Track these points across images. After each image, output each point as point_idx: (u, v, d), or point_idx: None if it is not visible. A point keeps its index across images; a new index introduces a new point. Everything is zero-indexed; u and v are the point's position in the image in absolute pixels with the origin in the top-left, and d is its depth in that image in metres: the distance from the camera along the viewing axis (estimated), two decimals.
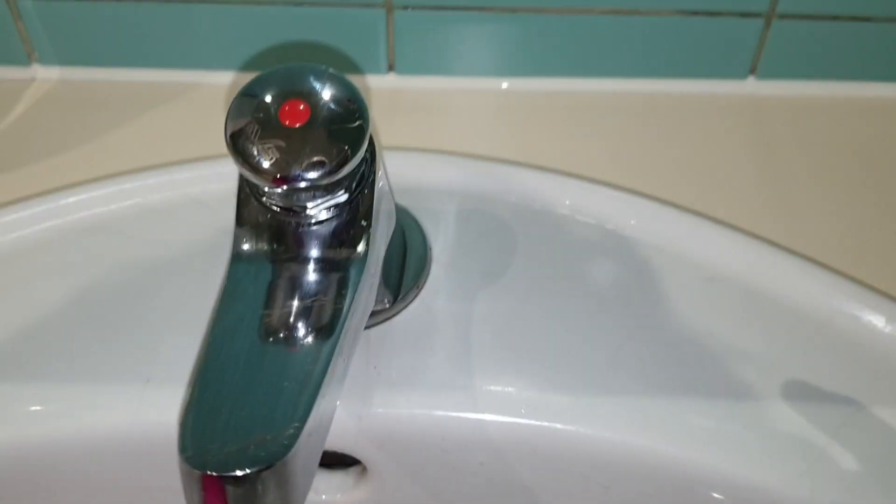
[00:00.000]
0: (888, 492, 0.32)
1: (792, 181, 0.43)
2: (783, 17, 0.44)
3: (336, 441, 0.34)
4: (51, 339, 0.35)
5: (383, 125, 0.44)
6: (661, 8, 0.44)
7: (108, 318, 0.35)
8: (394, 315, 0.36)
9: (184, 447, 0.23)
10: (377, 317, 0.35)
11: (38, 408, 0.33)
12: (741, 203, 0.41)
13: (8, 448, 0.33)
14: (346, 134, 0.27)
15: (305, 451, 0.24)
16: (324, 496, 0.36)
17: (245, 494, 0.23)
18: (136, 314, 0.35)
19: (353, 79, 0.44)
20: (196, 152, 0.42)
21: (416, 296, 0.36)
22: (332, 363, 0.26)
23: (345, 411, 0.33)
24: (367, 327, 0.35)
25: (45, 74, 0.47)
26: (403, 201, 0.39)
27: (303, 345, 0.26)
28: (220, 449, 0.23)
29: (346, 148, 0.27)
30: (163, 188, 0.40)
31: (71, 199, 0.39)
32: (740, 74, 0.47)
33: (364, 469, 0.36)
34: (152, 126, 0.44)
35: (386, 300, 0.35)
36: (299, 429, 0.23)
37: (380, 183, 0.31)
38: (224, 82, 0.46)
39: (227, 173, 0.40)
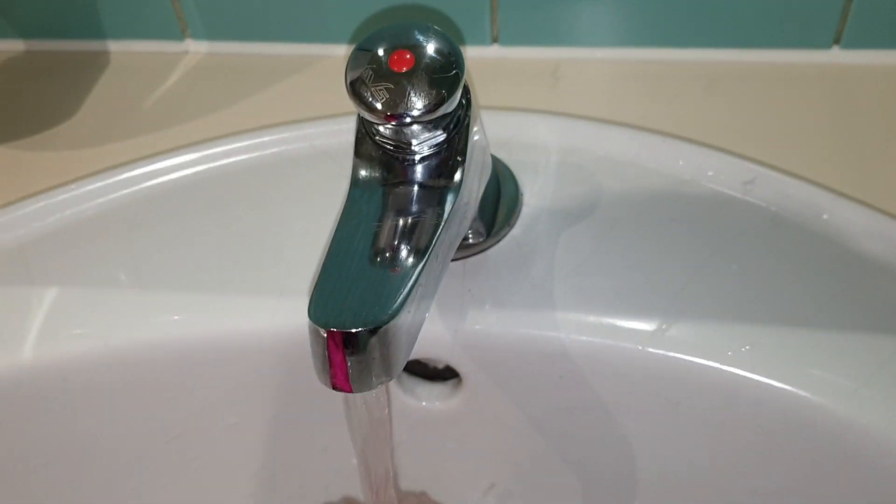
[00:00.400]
0: None
1: (872, 145, 0.45)
2: None
3: (435, 350, 0.39)
4: (201, 260, 0.42)
5: (486, 92, 0.49)
6: None
7: (249, 244, 0.42)
8: (487, 248, 0.41)
9: (312, 312, 0.29)
10: (473, 248, 0.40)
11: (189, 314, 0.40)
12: (818, 160, 0.43)
13: (161, 347, 0.40)
14: (443, 80, 0.32)
15: (404, 324, 0.30)
16: (424, 403, 0.42)
17: (356, 348, 0.29)
18: (272, 241, 0.42)
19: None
20: (321, 112, 0.48)
21: (507, 233, 0.41)
22: (427, 263, 0.31)
23: (443, 325, 0.38)
24: (463, 257, 0.40)
25: (196, 48, 0.54)
26: (501, 154, 0.44)
27: (405, 247, 0.32)
28: (339, 314, 0.29)
29: (444, 92, 0.32)
30: (294, 140, 0.46)
31: (219, 149, 0.45)
32: (824, 44, 0.49)
33: (459, 381, 0.41)
34: (285, 91, 0.51)
35: (481, 235, 0.40)
36: (400, 306, 0.29)
37: (474, 127, 0.36)
38: (344, 54, 0.52)
39: (347, 129, 0.46)
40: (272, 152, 0.46)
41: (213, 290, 0.40)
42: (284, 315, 0.39)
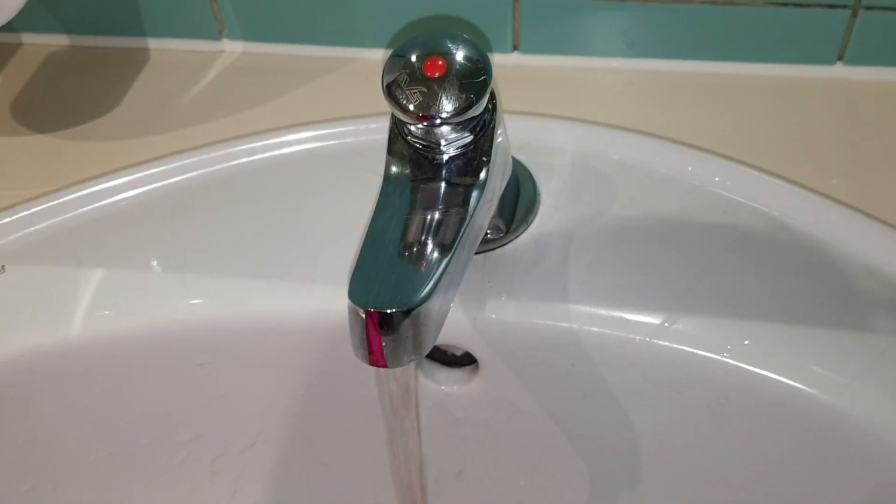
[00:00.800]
0: None
1: (872, 156, 0.47)
2: (869, 7, 0.48)
3: (456, 337, 0.42)
4: (238, 247, 0.44)
5: (507, 97, 0.52)
6: None
7: (283, 234, 0.45)
8: (506, 243, 0.43)
9: (352, 293, 0.32)
10: (493, 244, 0.43)
11: (227, 297, 0.43)
12: (819, 169, 0.46)
13: (200, 327, 0.43)
14: (473, 85, 0.35)
15: (433, 308, 0.32)
16: (443, 387, 0.45)
17: (391, 327, 0.32)
18: (305, 231, 0.45)
19: None
20: (351, 112, 0.50)
21: (525, 230, 0.44)
22: (456, 253, 0.34)
23: (464, 314, 0.41)
24: (483, 251, 0.43)
25: (232, 48, 0.57)
26: (520, 156, 0.47)
27: (436, 238, 0.34)
28: (377, 296, 0.32)
29: (472, 96, 0.35)
30: (325, 138, 0.49)
31: (255, 144, 0.48)
32: (828, 60, 0.51)
33: (476, 367, 0.44)
34: (317, 91, 0.53)
35: (500, 231, 0.43)
36: (431, 291, 0.32)
37: (498, 130, 0.39)
38: (374, 58, 0.55)
39: (376, 128, 0.49)
40: (305, 148, 0.48)
41: (249, 275, 0.43)
42: (316, 300, 0.42)
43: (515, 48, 0.54)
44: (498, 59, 0.54)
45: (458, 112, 0.35)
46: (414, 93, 0.35)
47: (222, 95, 0.54)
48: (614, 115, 0.50)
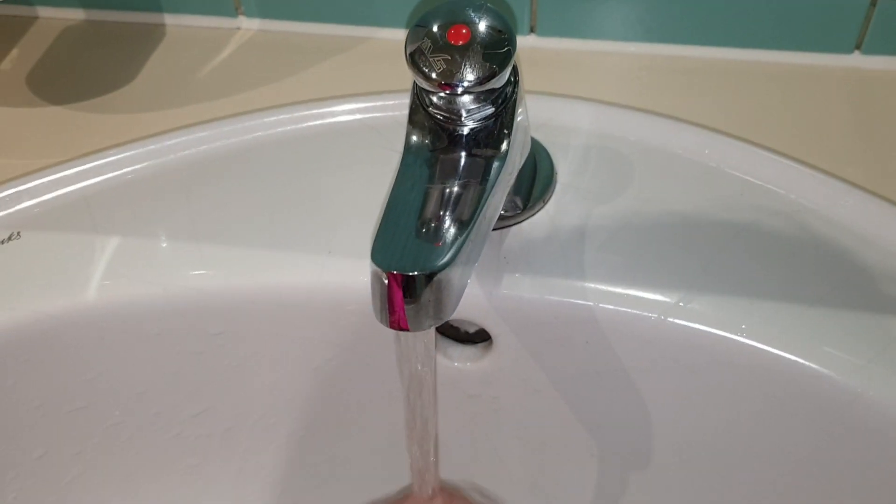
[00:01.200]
0: None
1: (888, 145, 0.47)
2: None
3: (471, 312, 0.42)
4: (254, 219, 0.44)
5: (525, 79, 0.52)
6: None
7: (299, 206, 0.45)
8: (523, 220, 0.43)
9: (375, 256, 0.32)
10: (509, 220, 0.43)
11: (242, 267, 0.43)
12: (834, 156, 0.46)
13: (214, 296, 0.43)
14: (496, 55, 0.35)
15: (454, 274, 0.32)
16: (456, 363, 0.45)
17: (413, 291, 0.32)
18: (321, 205, 0.45)
19: None
20: (365, 90, 0.50)
21: (541, 207, 0.44)
22: (476, 223, 0.34)
23: (480, 289, 0.41)
24: (499, 228, 0.43)
25: (248, 25, 0.57)
26: (537, 135, 0.47)
27: (457, 207, 0.34)
28: (400, 259, 0.32)
29: (496, 66, 0.35)
30: (342, 114, 0.49)
31: (272, 118, 0.48)
32: (846, 49, 0.51)
33: (490, 345, 0.44)
34: (332, 70, 0.53)
35: (517, 208, 0.43)
36: (453, 256, 0.32)
37: (519, 109, 0.39)
38: (389, 37, 0.55)
39: (393, 105, 0.49)
40: (322, 123, 0.48)
41: (265, 246, 0.43)
42: (331, 272, 0.42)
43: (532, 30, 0.54)
44: None
45: (480, 81, 0.34)
46: (437, 60, 0.35)
47: (238, 72, 0.54)
48: (630, 98, 0.50)
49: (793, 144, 0.47)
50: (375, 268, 0.32)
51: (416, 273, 0.32)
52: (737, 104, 0.49)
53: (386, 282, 0.32)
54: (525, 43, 0.54)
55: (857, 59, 0.51)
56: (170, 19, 0.58)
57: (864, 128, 0.48)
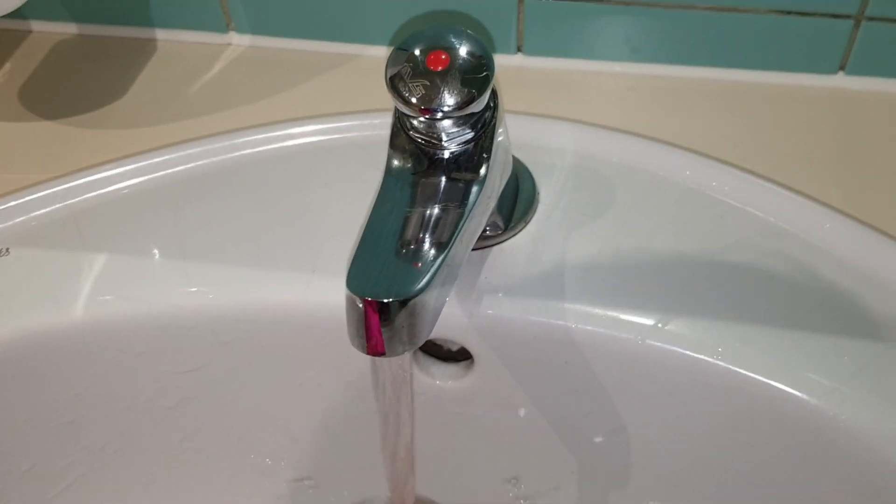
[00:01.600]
0: None
1: (870, 167, 0.47)
2: (872, 18, 0.49)
3: (452, 332, 0.42)
4: (240, 237, 0.45)
5: (509, 98, 0.52)
6: (758, 6, 0.50)
7: (285, 225, 0.45)
8: (504, 241, 0.44)
9: (351, 283, 0.32)
10: (491, 240, 0.44)
11: (226, 285, 0.43)
12: (817, 177, 0.46)
13: (199, 313, 0.43)
14: (475, 80, 0.35)
15: (429, 300, 0.33)
16: (438, 381, 0.45)
17: (388, 317, 0.32)
18: (306, 223, 0.45)
19: None
20: (354, 107, 0.51)
21: (523, 228, 0.44)
22: (453, 247, 0.34)
23: (460, 309, 0.42)
24: (481, 248, 0.43)
25: (239, 41, 0.57)
26: (521, 155, 0.47)
27: (434, 232, 0.35)
28: (375, 286, 0.32)
29: (474, 91, 0.35)
30: (329, 132, 0.49)
31: (260, 136, 0.49)
32: (830, 70, 0.52)
33: (471, 363, 0.44)
34: (322, 86, 0.54)
35: (499, 228, 0.44)
36: (428, 282, 0.33)
37: (499, 129, 0.39)
38: (378, 54, 0.56)
39: (379, 124, 0.49)
40: (309, 141, 0.49)
41: (249, 264, 0.44)
42: (315, 290, 0.42)
43: (519, 49, 0.54)
44: (501, 60, 0.54)
45: (459, 106, 0.35)
46: (417, 86, 0.35)
47: (228, 87, 0.54)
48: (616, 118, 0.50)
49: (776, 166, 0.47)
50: (350, 294, 0.32)
51: (391, 299, 0.32)
52: (721, 125, 0.50)
53: (361, 307, 0.32)
54: (512, 62, 0.55)
55: (841, 80, 0.52)
56: (161, 34, 0.58)
57: (847, 149, 0.49)
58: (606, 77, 0.53)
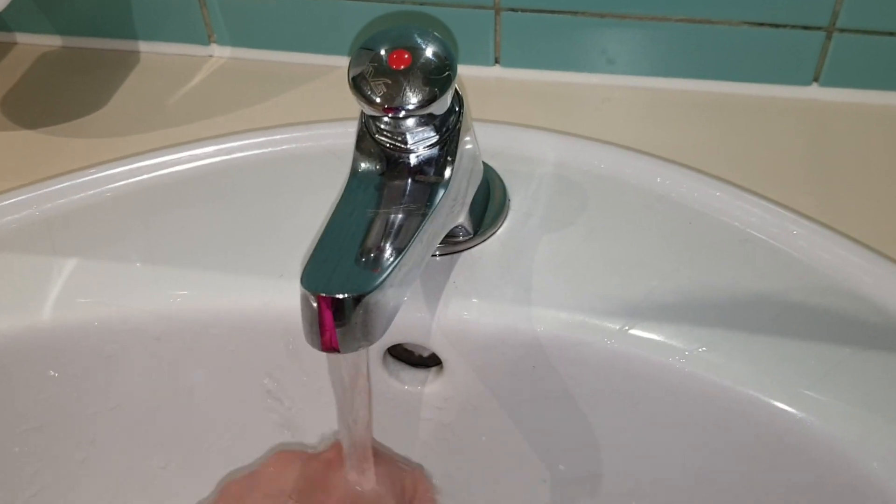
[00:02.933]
0: None
1: (841, 177, 0.48)
2: (843, 30, 0.49)
3: (420, 336, 0.42)
4: (210, 242, 0.45)
5: (486, 109, 0.53)
6: (731, 18, 0.50)
7: (256, 230, 0.45)
8: (474, 246, 0.44)
9: (305, 280, 0.32)
10: (460, 246, 0.44)
11: (195, 289, 0.43)
12: (789, 186, 0.46)
13: (169, 318, 0.43)
14: (437, 80, 0.36)
15: (384, 297, 0.33)
16: (407, 387, 0.45)
17: (342, 313, 0.32)
18: (278, 228, 0.45)
19: (461, 69, 0.53)
20: (331, 116, 0.52)
21: (493, 234, 0.45)
22: (412, 248, 0.35)
23: (428, 313, 0.42)
24: (450, 253, 0.44)
25: (220, 52, 0.58)
26: (494, 163, 0.48)
27: (394, 231, 0.35)
28: (328, 282, 0.32)
29: (436, 89, 0.36)
30: (304, 140, 0.49)
31: (234, 143, 0.49)
32: (804, 81, 0.52)
33: (440, 369, 0.44)
34: (301, 97, 0.54)
35: (468, 234, 0.44)
36: (384, 280, 0.33)
37: (466, 137, 0.39)
38: None
39: (353, 132, 0.49)
40: (283, 149, 0.49)
41: (219, 269, 0.44)
42: (283, 295, 0.42)
43: (497, 61, 0.55)
44: (479, 72, 0.55)
45: (421, 105, 0.35)
46: (378, 84, 0.35)
47: (208, 98, 0.55)
48: (592, 129, 0.51)
49: (748, 175, 0.47)
50: (304, 291, 0.32)
51: (345, 296, 0.32)
52: (695, 135, 0.50)
53: (315, 305, 0.32)
54: (489, 74, 0.55)
55: (814, 91, 0.52)
56: (144, 47, 0.59)
57: (820, 159, 0.49)
58: (582, 88, 0.54)
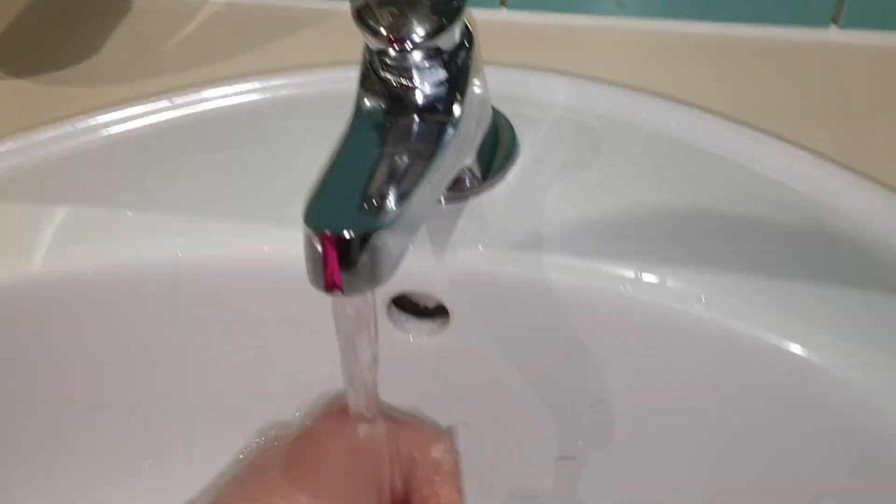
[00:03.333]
0: None
1: (862, 120, 0.46)
2: None
3: (428, 284, 0.41)
4: (207, 189, 0.43)
5: (493, 53, 0.51)
6: None
7: (254, 177, 0.44)
8: (482, 192, 0.42)
9: (308, 217, 0.31)
10: (468, 192, 0.42)
11: (192, 237, 0.42)
12: (808, 130, 0.45)
13: (163, 266, 0.42)
14: (445, 10, 0.34)
15: (392, 237, 0.31)
16: (412, 338, 0.43)
17: (347, 252, 0.30)
18: (276, 175, 0.44)
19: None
20: (330, 60, 0.50)
21: (502, 179, 0.43)
22: (420, 189, 0.33)
23: (435, 261, 0.40)
24: (458, 201, 0.42)
25: None
26: (503, 107, 0.46)
27: (401, 172, 0.33)
28: (333, 220, 0.31)
29: (444, 19, 0.34)
30: (304, 85, 0.48)
31: (230, 88, 0.47)
32: (822, 23, 0.51)
33: (447, 319, 0.43)
34: (298, 41, 0.52)
35: (477, 179, 0.42)
36: (391, 219, 0.31)
37: (475, 79, 0.37)
38: None
39: (354, 77, 0.47)
40: (282, 94, 0.47)
41: (216, 216, 0.42)
42: (282, 242, 0.41)
43: (503, 4, 0.53)
44: (485, 15, 0.53)
45: (429, 35, 0.33)
46: (384, 14, 0.34)
47: (204, 44, 0.53)
48: (602, 73, 0.49)
49: (766, 120, 0.46)
50: (308, 229, 0.31)
51: (350, 234, 0.30)
52: (709, 79, 0.48)
53: (319, 244, 0.30)
54: (496, 17, 0.53)
55: (833, 34, 0.51)
56: None
57: (839, 102, 0.47)
58: (591, 31, 0.52)
